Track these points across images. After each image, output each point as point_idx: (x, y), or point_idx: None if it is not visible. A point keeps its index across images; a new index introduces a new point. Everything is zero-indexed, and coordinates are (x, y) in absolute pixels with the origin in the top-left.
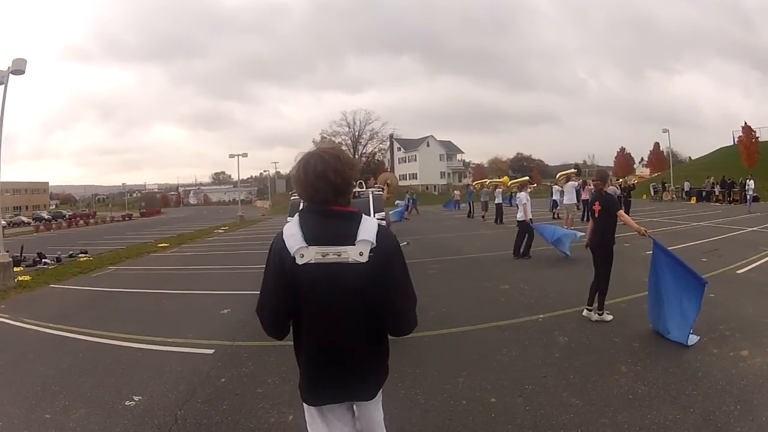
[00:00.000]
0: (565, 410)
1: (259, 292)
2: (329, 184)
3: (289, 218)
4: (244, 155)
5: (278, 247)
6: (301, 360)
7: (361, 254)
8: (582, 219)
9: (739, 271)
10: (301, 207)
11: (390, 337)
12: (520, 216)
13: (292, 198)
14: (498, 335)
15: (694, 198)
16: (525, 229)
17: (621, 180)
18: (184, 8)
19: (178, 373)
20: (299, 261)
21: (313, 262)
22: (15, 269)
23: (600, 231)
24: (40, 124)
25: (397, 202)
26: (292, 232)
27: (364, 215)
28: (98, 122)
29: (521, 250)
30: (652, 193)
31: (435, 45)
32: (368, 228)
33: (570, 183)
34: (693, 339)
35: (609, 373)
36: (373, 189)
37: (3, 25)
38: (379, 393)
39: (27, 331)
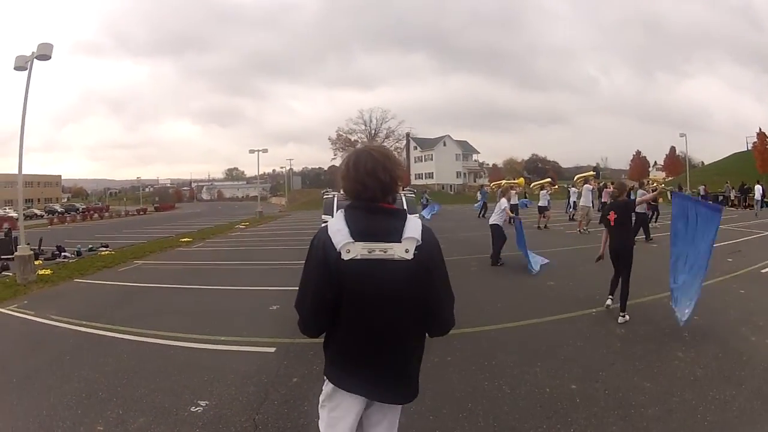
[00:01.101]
0: (640, 392)
1: (298, 287)
2: (378, 181)
3: (324, 216)
4: (265, 151)
5: (323, 241)
6: (334, 354)
7: (407, 251)
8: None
9: (763, 270)
10: (335, 205)
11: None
12: (494, 220)
13: (326, 197)
14: (558, 327)
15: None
16: (498, 234)
17: (654, 184)
18: (195, 2)
19: (243, 373)
20: (345, 256)
21: (359, 257)
22: (34, 263)
23: (619, 237)
24: (52, 117)
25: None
26: (338, 228)
27: (408, 214)
28: (110, 117)
29: (493, 256)
30: (669, 197)
31: (446, 42)
32: (414, 226)
33: (586, 186)
34: (686, 314)
35: (669, 359)
36: (406, 191)
37: (12, 17)
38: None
39: (57, 330)
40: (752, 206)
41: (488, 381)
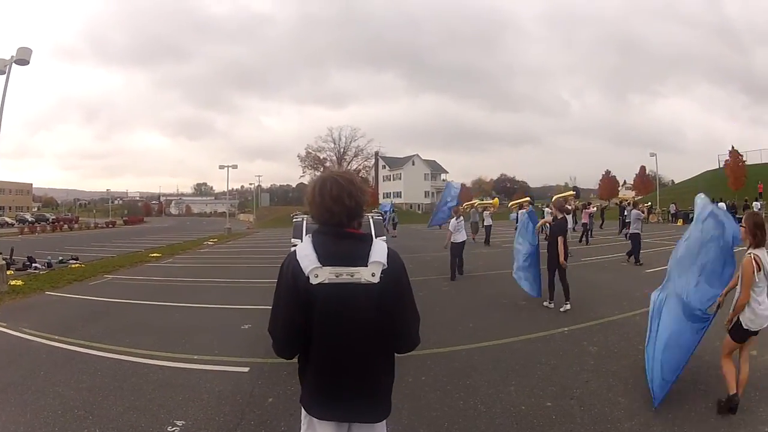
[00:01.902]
0: (616, 407)
1: (270, 311)
2: (344, 207)
3: (293, 240)
4: (234, 167)
5: (292, 266)
6: (309, 377)
7: (373, 275)
8: (580, 241)
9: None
10: (304, 228)
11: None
12: (461, 238)
13: (295, 220)
14: (531, 347)
15: (681, 220)
16: (458, 252)
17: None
18: (170, 13)
19: (218, 393)
20: (313, 281)
21: (326, 282)
22: (6, 273)
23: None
24: (24, 121)
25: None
26: (306, 253)
27: (374, 238)
28: (82, 125)
29: (457, 270)
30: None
31: (419, 62)
32: (379, 250)
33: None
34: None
35: (643, 375)
36: (373, 214)
37: None
38: (384, 422)
39: (31, 344)
40: None
41: (463, 400)
